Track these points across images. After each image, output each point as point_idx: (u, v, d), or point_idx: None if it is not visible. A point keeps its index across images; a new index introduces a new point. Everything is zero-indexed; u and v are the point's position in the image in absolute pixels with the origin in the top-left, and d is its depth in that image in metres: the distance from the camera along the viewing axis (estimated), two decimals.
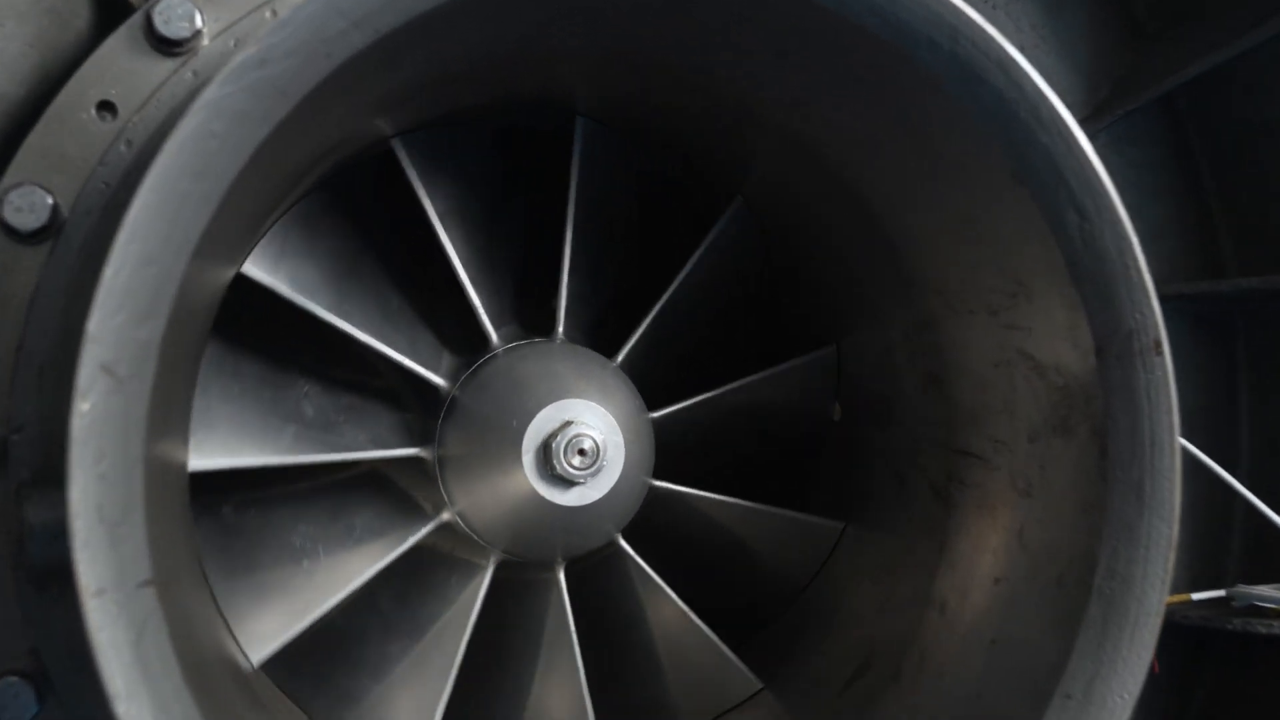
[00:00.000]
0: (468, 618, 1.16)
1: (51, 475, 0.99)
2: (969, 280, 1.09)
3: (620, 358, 1.24)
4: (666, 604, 1.24)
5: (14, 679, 0.98)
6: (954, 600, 1.11)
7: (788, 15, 0.96)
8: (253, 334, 1.18)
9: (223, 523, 1.17)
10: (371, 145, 1.20)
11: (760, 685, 1.29)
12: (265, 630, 1.13)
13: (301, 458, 1.16)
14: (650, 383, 1.25)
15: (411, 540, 1.16)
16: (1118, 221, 0.97)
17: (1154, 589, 0.97)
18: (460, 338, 1.26)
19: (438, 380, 1.19)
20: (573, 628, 1.18)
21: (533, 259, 1.32)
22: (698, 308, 1.31)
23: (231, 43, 1.06)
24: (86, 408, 0.78)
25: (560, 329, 1.23)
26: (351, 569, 1.16)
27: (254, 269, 1.13)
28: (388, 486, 1.25)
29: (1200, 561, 1.41)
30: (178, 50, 1.04)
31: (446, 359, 1.25)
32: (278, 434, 1.19)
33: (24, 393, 1.00)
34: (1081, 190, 0.97)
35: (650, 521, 1.24)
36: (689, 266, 1.27)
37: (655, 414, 1.24)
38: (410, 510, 1.23)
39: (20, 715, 0.97)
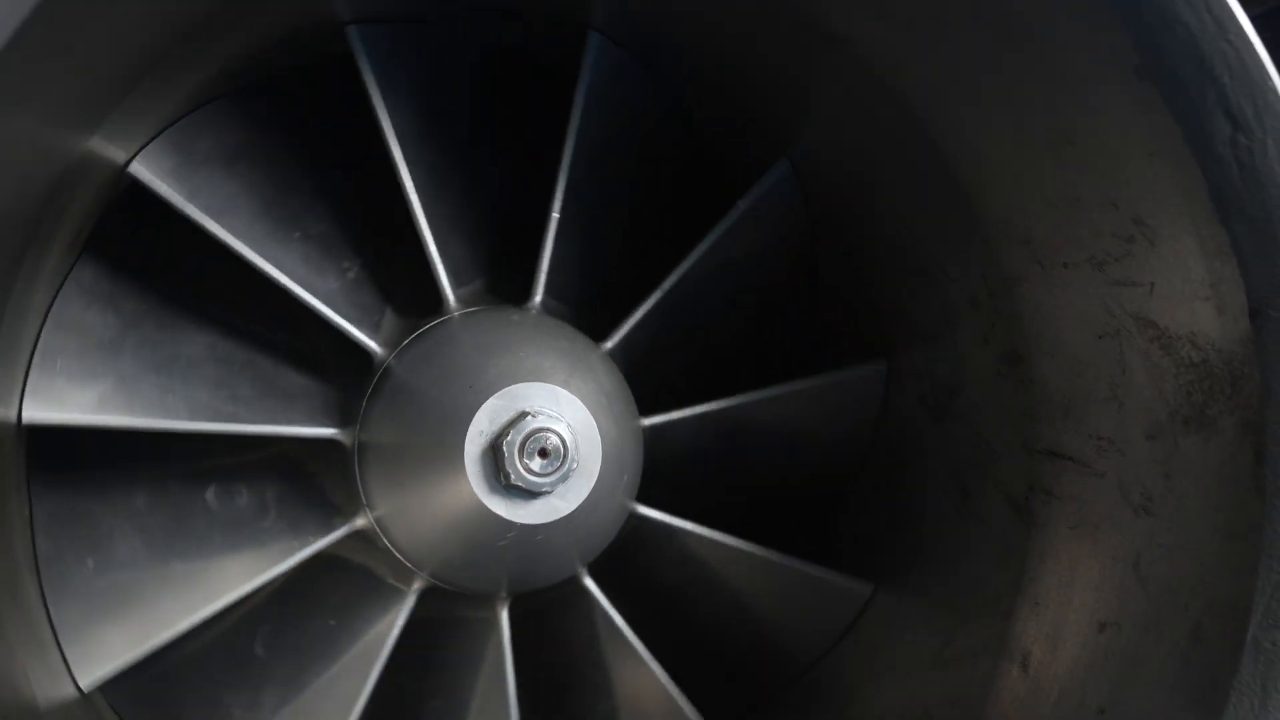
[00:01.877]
0: (375, 659, 0.90)
1: None
2: (1065, 223, 0.81)
3: (612, 342, 0.97)
4: (637, 665, 0.96)
5: None
6: (1041, 652, 0.84)
7: None
8: (144, 259, 0.91)
9: (70, 505, 0.90)
10: (320, 34, 0.93)
11: None
12: (106, 647, 0.87)
13: (178, 423, 0.89)
14: (649, 381, 1.00)
15: (310, 549, 0.90)
16: None
17: None
18: (409, 294, 1.00)
19: (370, 343, 0.93)
20: (511, 686, 0.91)
21: (517, 209, 1.05)
22: (720, 292, 1.05)
23: None
24: None
25: (538, 296, 0.96)
26: (229, 578, 0.89)
27: (146, 170, 0.86)
28: (294, 477, 0.97)
29: None
30: None
31: (389, 319, 0.99)
32: (156, 391, 0.91)
33: None
34: (1238, 88, 0.70)
35: (627, 558, 0.99)
36: (715, 236, 0.99)
37: (649, 420, 0.97)
38: (317, 511, 0.95)
39: None
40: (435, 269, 0.92)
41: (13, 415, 0.82)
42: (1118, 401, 0.81)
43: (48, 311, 0.88)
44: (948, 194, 0.89)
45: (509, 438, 0.83)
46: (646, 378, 0.99)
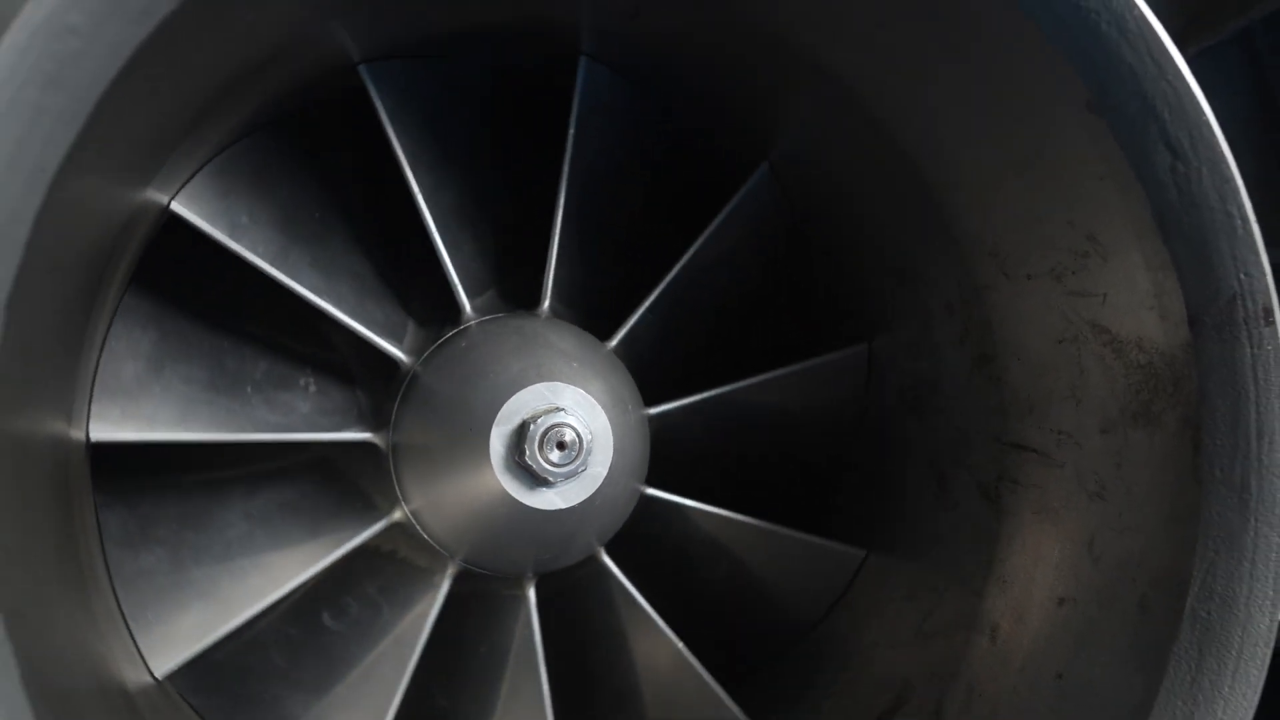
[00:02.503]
0: (418, 637, 0.98)
1: None
2: (1029, 238, 0.90)
3: (616, 340, 1.06)
4: (653, 633, 1.05)
5: None
6: (1007, 625, 0.93)
7: None
8: (183, 286, 1.00)
9: (134, 511, 0.99)
10: (337, 74, 1.02)
11: None
12: (176, 637, 0.95)
13: (229, 435, 0.98)
14: (651, 374, 1.08)
15: (355, 542, 0.98)
16: (1220, 161, 0.79)
17: (1262, 612, 0.80)
18: (428, 306, 1.08)
19: (397, 353, 1.01)
20: (540, 655, 1.00)
21: (522, 223, 1.13)
22: (711, 289, 1.13)
23: None
24: None
25: (546, 302, 1.04)
26: (284, 572, 0.99)
27: (187, 209, 0.95)
28: (334, 477, 1.06)
29: None
30: None
31: (411, 330, 1.07)
32: (205, 407, 1.01)
33: None
34: (1176, 122, 0.79)
35: (639, 536, 1.06)
36: (703, 239, 1.08)
37: (653, 409, 1.06)
38: (358, 506, 1.05)
39: None
40: (452, 283, 1.01)
41: (83, 435, 0.90)
42: (1075, 399, 0.90)
43: (104, 339, 0.97)
44: (923, 206, 0.98)
45: (529, 433, 0.92)
46: (649, 370, 1.07)
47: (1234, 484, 0.80)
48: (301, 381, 1.04)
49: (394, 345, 1.01)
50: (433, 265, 1.01)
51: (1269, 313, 0.79)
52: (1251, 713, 0.79)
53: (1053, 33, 0.78)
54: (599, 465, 0.95)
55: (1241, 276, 0.79)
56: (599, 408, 0.95)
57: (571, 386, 0.94)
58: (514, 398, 0.92)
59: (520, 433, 0.92)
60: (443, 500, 0.98)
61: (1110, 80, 0.79)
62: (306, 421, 1.03)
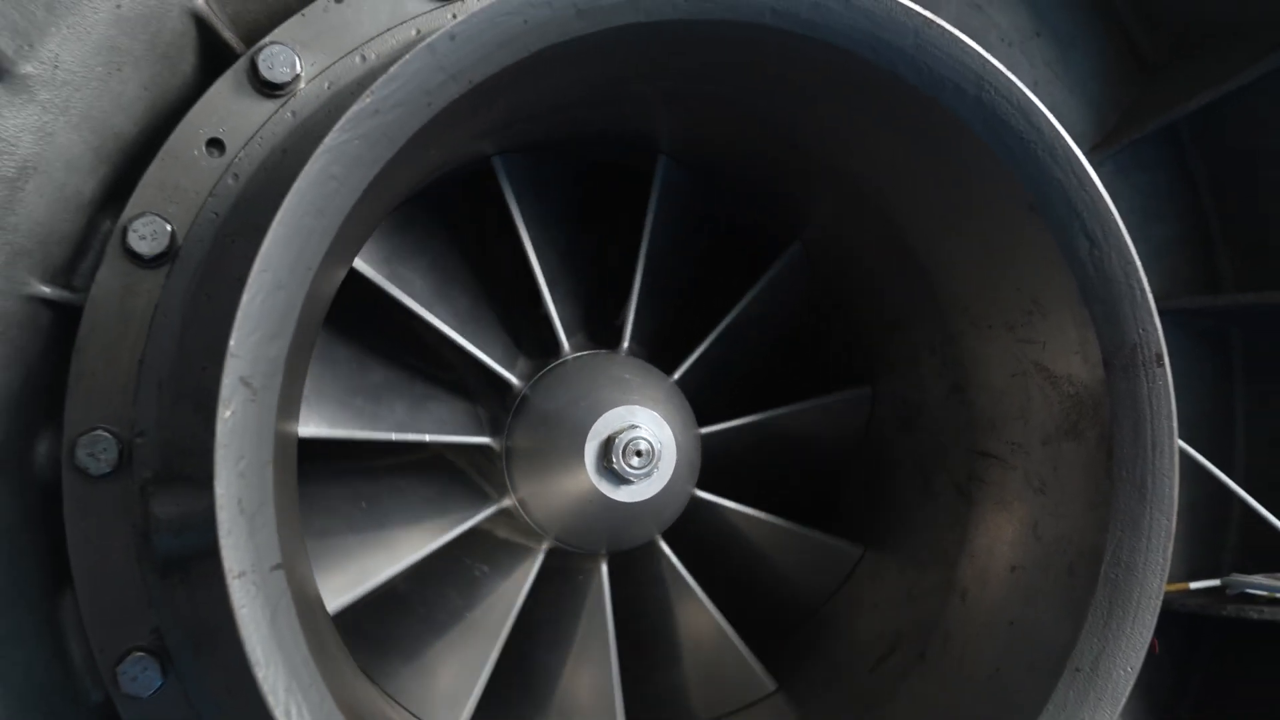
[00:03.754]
0: (517, 596, 1.28)
1: (173, 475, 1.12)
2: (990, 300, 1.20)
3: (678, 375, 1.35)
4: (694, 604, 1.36)
5: (141, 655, 1.10)
6: (974, 588, 1.23)
7: (832, 64, 1.07)
8: (348, 321, 1.29)
9: (307, 491, 1.28)
10: (472, 162, 1.33)
11: (774, 687, 1.40)
12: (340, 586, 1.23)
13: (387, 434, 1.27)
14: (702, 402, 1.37)
15: (475, 520, 1.28)
16: (1124, 248, 1.09)
17: (1154, 575, 1.09)
18: (535, 343, 1.38)
19: (513, 379, 1.31)
20: (610, 617, 1.30)
21: (605, 279, 1.44)
22: (750, 337, 1.43)
23: (326, 85, 1.18)
24: (228, 415, 0.90)
25: (626, 344, 1.35)
26: (418, 541, 1.28)
27: (364, 264, 1.24)
28: (456, 471, 1.37)
29: (1199, 555, 1.53)
30: (279, 92, 1.16)
31: (521, 361, 1.37)
32: (365, 414, 1.31)
33: (145, 402, 1.12)
34: (1092, 220, 1.09)
35: (687, 528, 1.36)
36: (746, 300, 1.39)
37: (705, 430, 1.35)
38: (475, 495, 1.35)
39: (147, 687, 1.09)
40: (555, 327, 1.32)
41: (295, 432, 1.20)
42: (1024, 419, 1.20)
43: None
44: (914, 275, 1.28)
45: (614, 443, 1.21)
46: (701, 398, 1.36)
47: (1136, 482, 1.10)
48: (438, 398, 1.34)
49: (510, 372, 1.31)
50: (539, 312, 1.31)
51: (1160, 357, 1.09)
52: (1145, 647, 1.09)
53: (1004, 156, 1.09)
54: (666, 469, 1.25)
55: (1140, 331, 1.09)
56: (666, 426, 1.25)
57: (645, 409, 1.24)
58: (602, 417, 1.22)
59: (607, 444, 1.22)
60: (544, 492, 1.29)
61: (1046, 190, 1.09)
62: (442, 427, 1.33)
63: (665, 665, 1.46)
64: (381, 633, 1.32)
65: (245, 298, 0.90)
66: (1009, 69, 1.25)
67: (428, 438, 1.27)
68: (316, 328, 1.13)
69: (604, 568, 1.35)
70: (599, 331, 1.39)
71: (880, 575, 1.39)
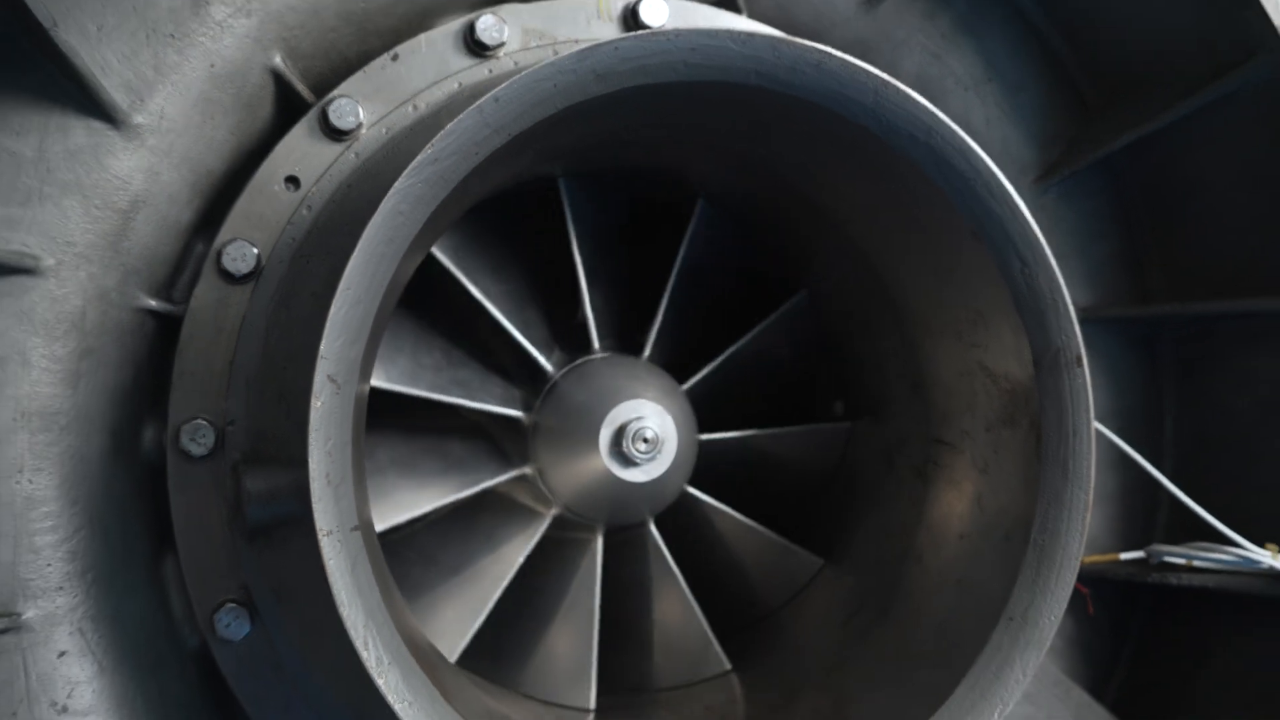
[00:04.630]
0: (520, 553, 1.51)
1: (260, 456, 1.34)
2: (942, 312, 1.43)
3: (688, 385, 1.58)
4: (669, 583, 1.58)
5: (233, 605, 1.32)
6: (930, 554, 1.45)
7: (811, 116, 1.30)
8: (427, 305, 1.52)
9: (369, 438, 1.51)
10: (535, 180, 1.56)
11: (729, 667, 1.61)
12: (379, 519, 1.44)
13: (436, 394, 1.50)
14: (705, 411, 1.59)
15: (500, 479, 1.51)
16: (1050, 268, 1.30)
17: (1074, 540, 1.31)
18: (569, 340, 1.61)
19: (548, 366, 1.54)
20: (598, 583, 1.52)
21: (637, 296, 1.67)
22: (752, 363, 1.66)
23: (384, 130, 1.41)
24: (319, 405, 1.12)
25: (647, 352, 1.57)
26: (446, 489, 1.51)
27: (440, 253, 1.47)
28: (487, 439, 1.60)
29: (1133, 532, 1.75)
30: (345, 137, 1.39)
31: (556, 353, 1.60)
32: (421, 379, 1.54)
33: (236, 396, 1.35)
34: (1023, 245, 1.31)
35: (673, 518, 1.58)
36: (753, 332, 1.62)
37: (703, 436, 1.57)
38: (499, 459, 1.58)
39: (239, 633, 1.31)
40: (590, 328, 1.54)
41: (367, 390, 1.42)
42: (971, 411, 1.42)
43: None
44: (884, 301, 1.50)
45: (626, 429, 1.44)
46: (705, 408, 1.58)
47: (1059, 462, 1.31)
48: (483, 374, 1.58)
49: (546, 360, 1.54)
50: (576, 312, 1.54)
51: (1079, 359, 1.31)
52: (1066, 600, 1.31)
53: (950, 192, 1.30)
54: (666, 459, 1.47)
55: (1063, 337, 1.31)
56: (670, 422, 1.47)
57: (655, 405, 1.46)
58: (618, 407, 1.45)
59: (620, 430, 1.44)
60: (560, 464, 1.51)
61: (985, 220, 1.31)
62: (484, 399, 1.55)
63: (636, 636, 1.66)
64: (399, 572, 1.55)
65: (332, 311, 1.13)
66: (965, 110, 1.50)
67: (474, 404, 1.50)
68: (390, 312, 1.36)
69: (599, 541, 1.57)
70: (626, 339, 1.62)
71: (854, 546, 1.62)
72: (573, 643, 1.56)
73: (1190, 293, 1.71)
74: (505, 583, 1.51)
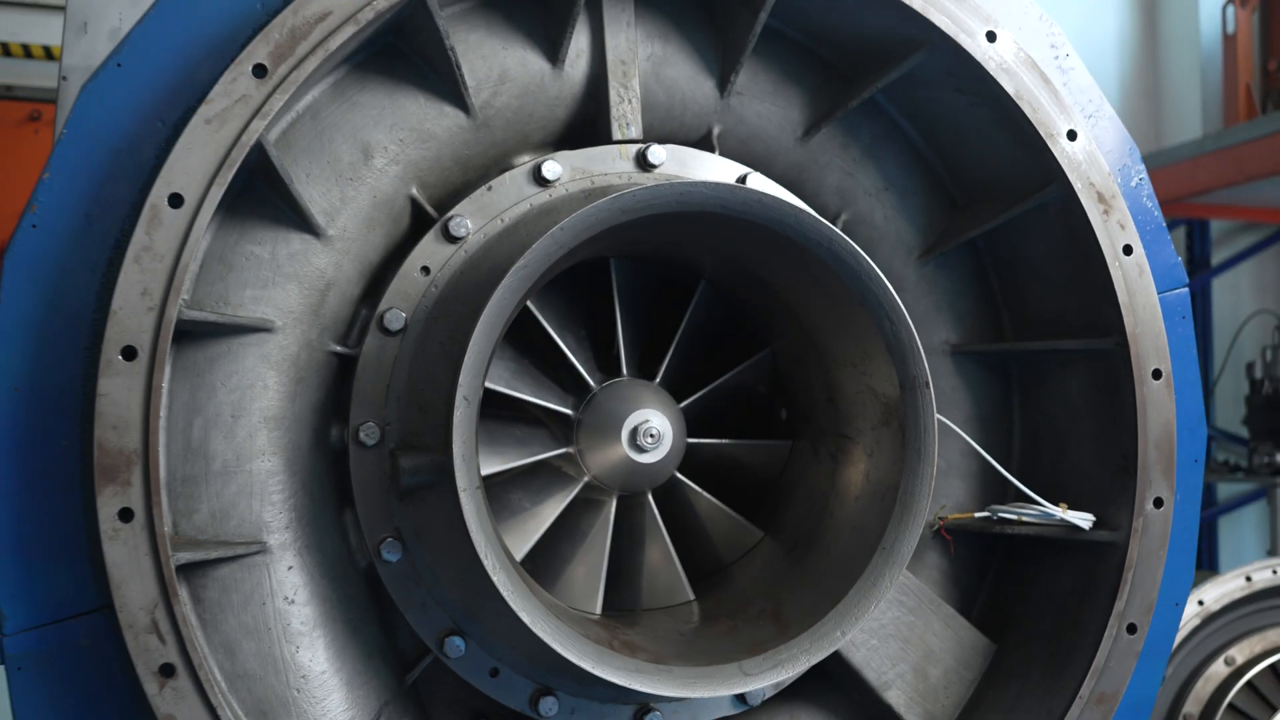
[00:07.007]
0: (560, 505, 2.26)
1: (408, 445, 2.10)
2: (846, 350, 2.20)
3: (683, 404, 2.34)
4: (658, 539, 2.34)
5: (391, 540, 2.08)
6: (837, 510, 2.22)
7: (764, 232, 2.06)
8: (521, 337, 2.29)
9: None
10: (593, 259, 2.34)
11: (693, 597, 2.35)
12: None
13: (515, 392, 2.26)
14: (693, 421, 2.34)
15: (551, 453, 2.26)
16: (907, 325, 2.07)
17: (923, 499, 2.08)
18: (606, 367, 2.37)
19: (592, 383, 2.31)
20: (610, 531, 2.29)
21: (654, 340, 2.42)
22: (731, 392, 2.43)
23: (482, 236, 2.17)
24: (459, 414, 1.89)
25: (658, 379, 2.34)
26: (512, 458, 2.27)
27: (532, 306, 2.24)
28: (544, 426, 2.36)
29: (986, 500, 2.51)
30: (459, 241, 2.16)
31: (596, 373, 2.35)
32: (501, 380, 2.30)
33: (391, 407, 2.11)
34: (891, 310, 2.08)
35: (665, 493, 2.35)
36: (733, 372, 2.39)
37: (691, 440, 2.34)
38: (552, 441, 2.34)
39: (395, 556, 2.08)
40: (621, 360, 2.30)
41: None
42: (863, 416, 2.18)
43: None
44: (811, 345, 2.27)
45: (640, 427, 2.20)
46: (693, 421, 2.35)
47: (915, 448, 2.08)
48: (544, 383, 2.34)
49: (591, 378, 2.31)
50: (613, 350, 2.31)
51: (927, 384, 2.08)
52: (918, 536, 2.07)
53: (845, 277, 2.07)
54: (663, 449, 2.23)
55: (917, 369, 2.08)
56: (669, 426, 2.23)
57: (660, 414, 2.23)
58: (635, 412, 2.21)
59: (636, 428, 2.21)
60: (594, 448, 2.25)
61: (866, 295, 2.07)
62: (546, 398, 2.32)
63: (628, 572, 2.42)
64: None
65: (466, 358, 1.90)
66: (870, 210, 2.28)
67: (539, 401, 2.26)
68: (495, 349, 2.12)
69: (613, 503, 2.34)
70: (645, 368, 2.38)
71: (787, 507, 2.39)
72: (588, 570, 2.31)
73: (1026, 334, 2.48)
74: (547, 524, 2.26)
